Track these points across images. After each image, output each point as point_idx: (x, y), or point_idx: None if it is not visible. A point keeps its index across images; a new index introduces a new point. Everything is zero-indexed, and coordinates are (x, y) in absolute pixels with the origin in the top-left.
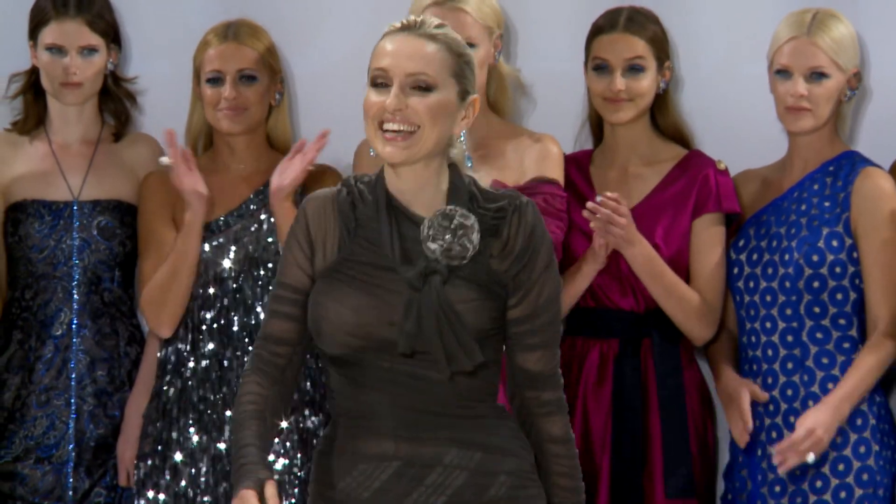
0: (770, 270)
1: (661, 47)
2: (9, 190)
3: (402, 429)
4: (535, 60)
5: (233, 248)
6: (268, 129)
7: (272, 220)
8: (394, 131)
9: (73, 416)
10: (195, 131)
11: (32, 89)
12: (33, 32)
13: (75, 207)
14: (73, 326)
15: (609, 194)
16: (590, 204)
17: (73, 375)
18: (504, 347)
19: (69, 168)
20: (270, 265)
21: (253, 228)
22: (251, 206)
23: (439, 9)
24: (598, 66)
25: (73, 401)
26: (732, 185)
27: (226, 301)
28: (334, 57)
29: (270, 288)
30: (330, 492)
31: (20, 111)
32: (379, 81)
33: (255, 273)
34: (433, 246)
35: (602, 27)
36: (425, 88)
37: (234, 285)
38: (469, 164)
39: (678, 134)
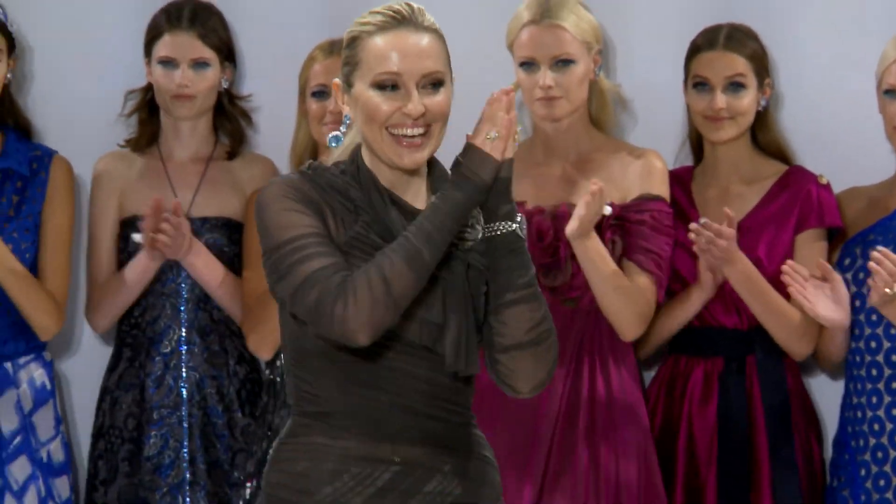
0: None
1: (762, 64)
2: (122, 206)
3: (400, 431)
4: (636, 75)
5: None
6: None
7: None
8: (411, 136)
9: (185, 434)
10: (301, 147)
11: (147, 107)
12: (148, 48)
13: (196, 222)
14: (182, 343)
15: (725, 212)
16: (693, 226)
17: (184, 394)
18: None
19: (180, 185)
20: None
21: None
22: None
23: (537, 27)
24: (698, 84)
25: (184, 419)
26: (834, 200)
27: None
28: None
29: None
30: (308, 499)
31: (135, 129)
32: (389, 84)
33: None
34: None
35: (701, 45)
36: (438, 84)
37: None
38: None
39: (779, 151)
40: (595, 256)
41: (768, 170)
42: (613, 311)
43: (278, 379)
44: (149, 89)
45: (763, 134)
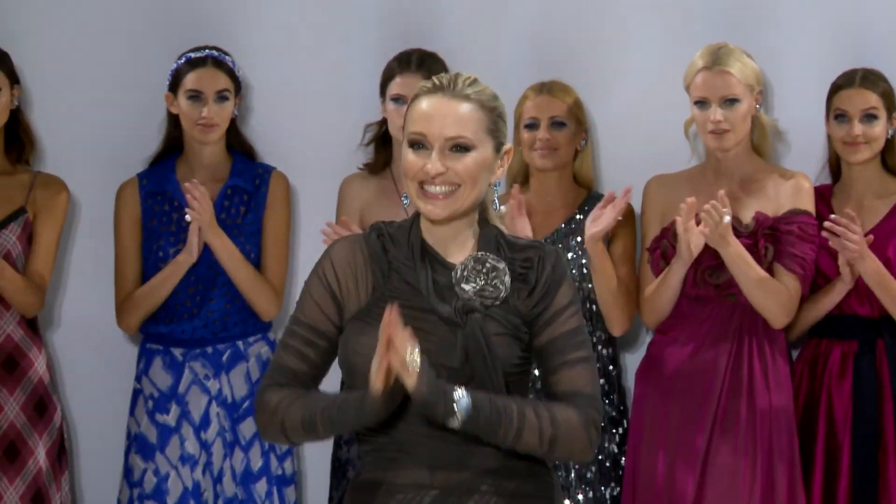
0: None
1: (891, 100)
2: (362, 218)
3: (435, 459)
4: (789, 111)
5: None
6: (574, 169)
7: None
8: (435, 192)
9: None
10: (515, 170)
11: (381, 137)
12: (383, 88)
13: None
14: None
15: (846, 212)
16: (826, 224)
17: None
18: (543, 381)
19: None
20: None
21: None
22: (562, 234)
23: (709, 72)
24: (838, 116)
25: None
26: None
27: None
28: (630, 106)
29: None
30: None
31: (371, 155)
32: (417, 143)
33: None
34: (467, 287)
35: (842, 84)
36: (464, 149)
37: None
38: (496, 208)
39: None
40: (737, 260)
41: (894, 187)
42: (759, 305)
43: None
44: (383, 122)
45: (891, 157)
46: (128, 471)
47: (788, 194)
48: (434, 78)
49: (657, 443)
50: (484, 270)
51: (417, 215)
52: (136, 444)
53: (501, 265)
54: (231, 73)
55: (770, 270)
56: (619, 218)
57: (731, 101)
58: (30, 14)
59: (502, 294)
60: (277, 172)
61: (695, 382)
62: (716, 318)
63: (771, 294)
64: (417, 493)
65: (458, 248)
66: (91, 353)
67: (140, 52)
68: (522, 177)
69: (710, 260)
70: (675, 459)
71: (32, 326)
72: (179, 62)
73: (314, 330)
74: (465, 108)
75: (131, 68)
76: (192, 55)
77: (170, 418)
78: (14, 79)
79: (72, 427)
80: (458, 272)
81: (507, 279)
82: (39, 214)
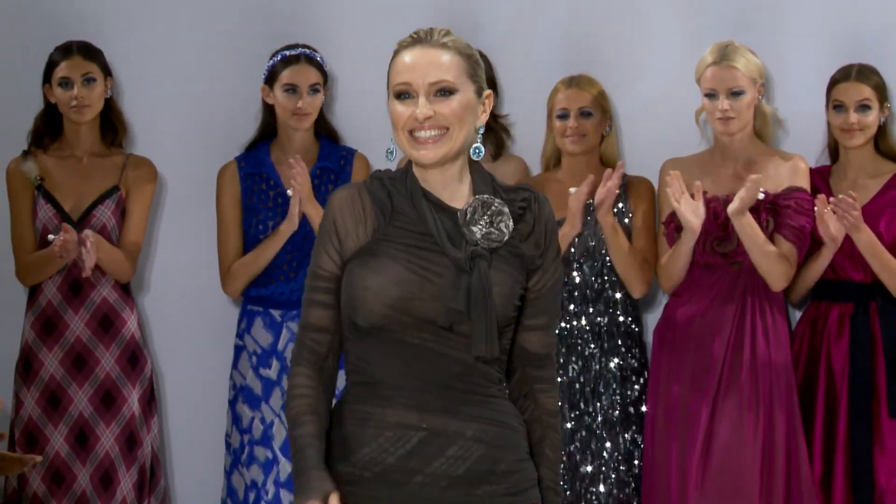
0: None
1: (882, 92)
2: None
3: (425, 401)
4: (790, 101)
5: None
6: (600, 152)
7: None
8: (426, 137)
9: None
10: (548, 153)
11: None
12: None
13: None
14: None
15: (848, 193)
16: (832, 199)
17: None
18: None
19: None
20: (604, 251)
21: (590, 223)
22: (591, 207)
23: (717, 67)
24: (836, 106)
25: None
26: None
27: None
28: (649, 96)
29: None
30: (352, 455)
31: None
32: (403, 93)
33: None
34: (474, 229)
35: (839, 78)
36: (448, 92)
37: (581, 276)
38: (476, 154)
39: (894, 154)
40: (749, 229)
41: (887, 168)
42: (763, 270)
43: None
44: None
45: (883, 142)
46: (237, 418)
47: (787, 173)
48: (412, 34)
49: (673, 391)
50: (489, 213)
51: (409, 165)
52: (243, 394)
53: (506, 209)
54: (321, 68)
55: (771, 240)
56: (617, 191)
57: (736, 93)
58: (127, 13)
59: (506, 237)
60: (359, 154)
61: (705, 339)
62: (723, 283)
63: (774, 260)
64: (405, 432)
65: (453, 192)
66: (176, 312)
67: (226, 51)
68: (555, 160)
69: (718, 232)
70: (689, 404)
71: (126, 290)
72: (275, 59)
73: (328, 278)
74: (444, 55)
75: (211, 65)
76: (287, 53)
77: (271, 372)
78: (107, 72)
79: (160, 377)
80: (467, 214)
81: (511, 222)
82: (131, 192)
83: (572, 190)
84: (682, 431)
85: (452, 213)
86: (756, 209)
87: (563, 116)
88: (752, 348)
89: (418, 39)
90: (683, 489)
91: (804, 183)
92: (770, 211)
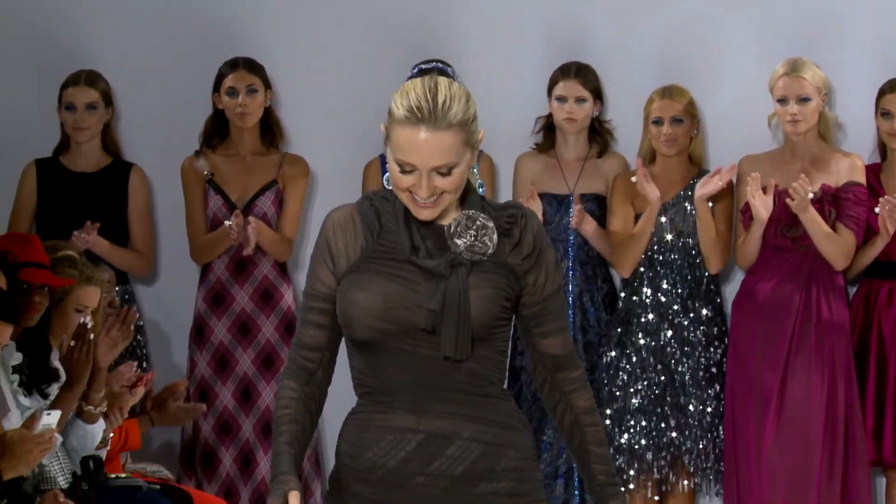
0: None
1: None
2: (533, 185)
3: (422, 405)
4: (848, 108)
5: (667, 223)
6: (689, 152)
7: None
8: (424, 201)
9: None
10: (644, 153)
11: (548, 126)
12: (549, 89)
13: (571, 198)
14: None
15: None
16: (882, 199)
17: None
18: (526, 341)
19: (568, 174)
20: (690, 237)
21: (680, 211)
22: (680, 199)
23: (788, 77)
24: (884, 113)
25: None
26: None
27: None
28: (730, 103)
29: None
30: (358, 461)
31: (541, 138)
32: (406, 167)
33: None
34: (459, 241)
35: (886, 90)
36: (450, 168)
37: (673, 255)
38: (480, 191)
39: None
40: (812, 220)
41: None
42: (825, 253)
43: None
44: (549, 116)
45: None
46: None
47: (846, 170)
48: (415, 105)
49: (750, 354)
50: (474, 227)
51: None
52: None
53: (490, 224)
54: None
55: (833, 228)
56: (723, 186)
57: (804, 100)
58: (287, 31)
59: (490, 250)
60: (484, 154)
61: (776, 310)
62: (792, 263)
63: (835, 244)
64: (405, 435)
65: (443, 213)
66: None
67: (367, 64)
68: (650, 157)
69: (787, 220)
70: (763, 366)
71: (283, 268)
72: (413, 72)
73: (323, 298)
74: (446, 137)
75: (354, 77)
76: (423, 66)
77: None
78: (267, 84)
79: None
80: (452, 227)
81: (495, 237)
82: (287, 185)
83: (633, 179)
84: (757, 392)
85: (438, 229)
86: (820, 201)
87: (658, 123)
88: (818, 319)
89: (422, 119)
90: (759, 440)
91: (861, 178)
92: (832, 203)
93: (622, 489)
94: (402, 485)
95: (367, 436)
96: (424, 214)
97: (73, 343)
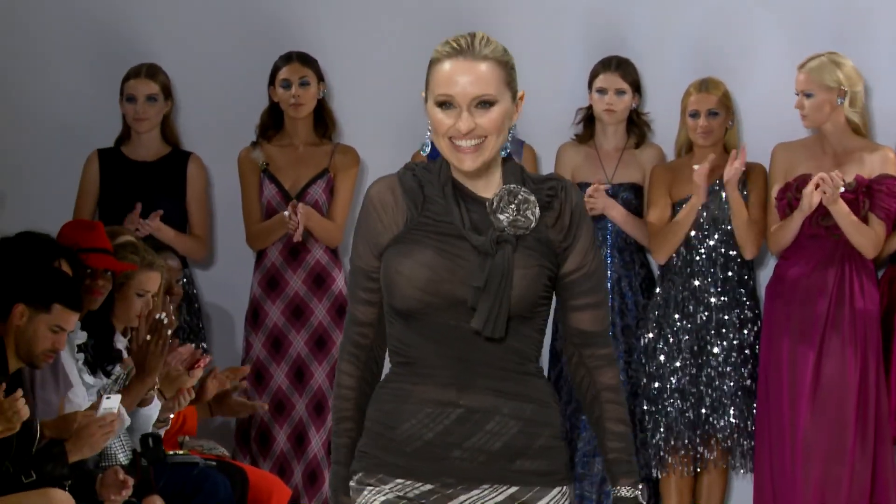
0: None
1: None
2: (572, 176)
3: (463, 380)
4: (884, 104)
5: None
6: (724, 141)
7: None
8: (466, 146)
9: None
10: (681, 143)
11: (588, 117)
12: (590, 82)
13: (609, 186)
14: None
15: None
16: None
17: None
18: (561, 315)
19: (606, 163)
20: (724, 225)
21: (716, 199)
22: (717, 185)
23: (799, 72)
24: None
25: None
26: None
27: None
28: (763, 95)
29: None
30: (394, 432)
31: (581, 129)
32: (445, 103)
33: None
34: (501, 217)
35: None
36: (489, 104)
37: (709, 241)
38: (505, 152)
39: None
40: (841, 213)
41: None
42: (856, 243)
43: None
44: (590, 107)
45: None
46: None
47: (878, 162)
48: (452, 41)
49: (784, 337)
50: (516, 202)
51: (442, 160)
52: None
53: (532, 197)
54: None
55: (865, 218)
56: (743, 168)
57: (808, 95)
58: (340, 27)
59: (532, 224)
60: (527, 145)
61: (811, 294)
62: (825, 250)
63: (865, 235)
64: (444, 409)
65: (486, 184)
66: None
67: (416, 57)
68: (687, 147)
69: (822, 209)
70: (797, 349)
71: (335, 254)
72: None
73: (367, 276)
74: (484, 67)
75: (404, 70)
76: None
77: None
78: (321, 77)
79: None
80: (494, 203)
81: (537, 210)
82: (338, 174)
83: (696, 167)
84: (791, 372)
85: (482, 203)
86: (855, 192)
87: (695, 115)
88: (851, 303)
89: (459, 50)
90: (794, 420)
91: (893, 170)
92: (866, 193)
93: (637, 469)
94: (439, 457)
95: (405, 407)
96: (467, 163)
97: (148, 337)
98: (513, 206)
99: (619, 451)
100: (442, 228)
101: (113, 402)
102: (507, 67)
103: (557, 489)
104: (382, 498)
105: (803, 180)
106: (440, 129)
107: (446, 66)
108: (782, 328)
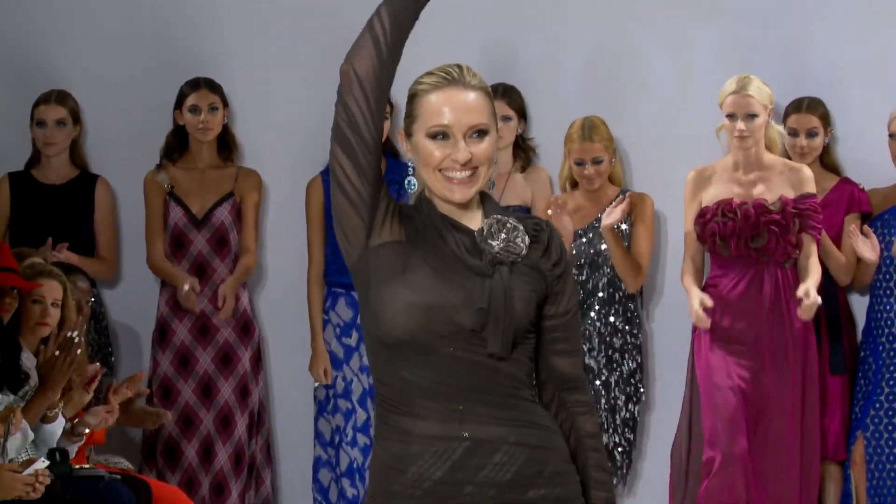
0: None
1: None
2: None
3: (465, 410)
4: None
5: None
6: (609, 175)
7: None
8: (460, 177)
9: None
10: (565, 177)
11: None
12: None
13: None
14: None
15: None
16: (865, 228)
17: None
18: (540, 357)
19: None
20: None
21: (596, 234)
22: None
23: (736, 96)
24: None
25: None
26: None
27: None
28: (648, 121)
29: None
30: (401, 476)
31: None
32: (439, 134)
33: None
34: (493, 243)
35: (790, 111)
36: (483, 133)
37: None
38: (491, 187)
39: None
40: (815, 301)
41: None
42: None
43: None
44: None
45: None
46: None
47: (797, 181)
48: (439, 72)
49: (716, 352)
50: (506, 229)
51: (422, 194)
52: (329, 357)
53: (521, 226)
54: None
55: (798, 239)
56: (628, 214)
57: (750, 116)
58: (243, 55)
59: (523, 251)
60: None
61: (747, 315)
62: (756, 269)
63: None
64: (450, 444)
65: (471, 216)
66: (278, 290)
67: (315, 84)
68: (571, 181)
69: (749, 231)
70: (732, 366)
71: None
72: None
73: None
74: (474, 96)
75: (311, 91)
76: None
77: (352, 341)
78: (225, 102)
79: (265, 342)
80: (484, 230)
81: (527, 238)
82: (244, 198)
83: (549, 212)
84: (727, 389)
85: (470, 233)
86: (782, 212)
87: (580, 164)
88: (790, 320)
89: (451, 80)
90: (731, 440)
91: (813, 188)
92: (795, 215)
93: None
94: (451, 496)
95: (410, 449)
96: (459, 195)
97: (57, 353)
98: (503, 233)
99: (605, 501)
100: (435, 256)
101: (43, 465)
102: (490, 98)
103: None
104: None
105: (727, 204)
106: (432, 162)
107: (435, 97)
108: (716, 345)
